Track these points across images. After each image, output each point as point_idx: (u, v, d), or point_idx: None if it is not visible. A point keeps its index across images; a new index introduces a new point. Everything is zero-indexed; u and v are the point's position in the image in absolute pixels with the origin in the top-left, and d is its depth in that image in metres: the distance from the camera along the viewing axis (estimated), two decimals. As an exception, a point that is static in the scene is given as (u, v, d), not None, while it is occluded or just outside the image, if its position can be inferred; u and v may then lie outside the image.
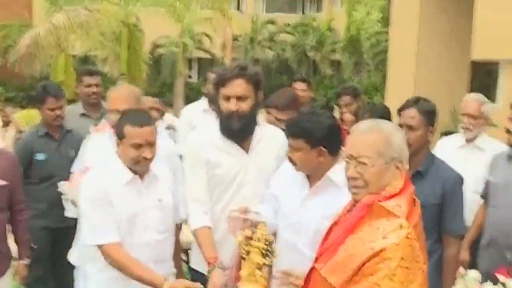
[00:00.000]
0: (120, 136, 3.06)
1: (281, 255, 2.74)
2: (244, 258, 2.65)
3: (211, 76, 5.14)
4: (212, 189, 3.22)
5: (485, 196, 4.10)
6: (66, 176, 3.90)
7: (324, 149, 2.85)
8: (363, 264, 2.11)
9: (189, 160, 3.29)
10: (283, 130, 3.54)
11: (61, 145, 4.59)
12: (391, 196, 2.22)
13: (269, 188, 3.15)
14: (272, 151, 3.29)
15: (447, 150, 4.45)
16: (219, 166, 3.21)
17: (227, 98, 3.13)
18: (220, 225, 3.10)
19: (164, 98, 4.67)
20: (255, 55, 28.22)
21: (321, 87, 25.33)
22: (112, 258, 2.98)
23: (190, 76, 29.07)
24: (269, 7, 31.32)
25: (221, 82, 3.16)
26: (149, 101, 4.66)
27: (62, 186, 3.78)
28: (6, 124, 8.69)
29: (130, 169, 3.06)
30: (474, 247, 4.02)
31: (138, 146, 2.99)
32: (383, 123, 2.40)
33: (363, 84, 23.14)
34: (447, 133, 5.51)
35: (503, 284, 3.05)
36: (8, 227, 3.81)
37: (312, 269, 2.33)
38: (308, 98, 5.87)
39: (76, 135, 4.56)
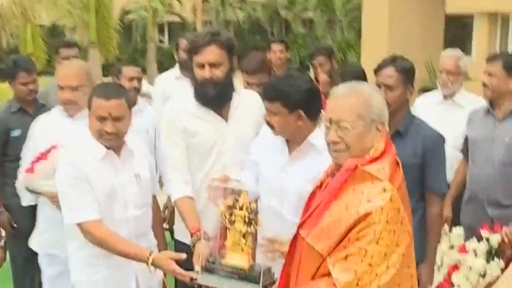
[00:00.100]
0: (89, 107, 2.99)
1: (265, 222, 2.72)
2: (227, 228, 2.62)
3: (183, 42, 5.07)
4: (191, 158, 3.18)
5: (464, 152, 4.12)
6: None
7: (302, 113, 2.81)
8: (349, 229, 2.10)
9: (166, 130, 3.24)
10: (259, 93, 3.51)
11: None
12: (374, 159, 2.20)
13: (249, 154, 3.11)
14: (250, 117, 3.25)
15: (426, 107, 4.45)
16: (196, 135, 3.17)
17: (201, 66, 3.08)
18: (202, 194, 3.07)
19: (137, 64, 4.56)
20: (227, 17, 27.92)
21: (295, 46, 25.19)
22: (93, 235, 2.93)
23: (161, 41, 28.72)
24: (238, -33, 30.87)
25: (193, 50, 3.11)
26: (129, 71, 4.52)
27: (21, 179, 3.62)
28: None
29: (104, 144, 3.00)
30: (457, 203, 4.06)
31: (102, 119, 2.92)
32: (362, 85, 2.37)
33: (336, 41, 23.11)
34: (425, 90, 5.51)
35: (487, 239, 3.10)
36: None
37: (297, 235, 2.31)
38: (285, 59, 5.85)
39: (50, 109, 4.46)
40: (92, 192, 2.93)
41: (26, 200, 3.83)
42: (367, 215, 2.08)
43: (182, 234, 3.24)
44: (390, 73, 3.30)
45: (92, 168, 2.95)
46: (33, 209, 3.94)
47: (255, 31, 27.93)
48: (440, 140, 3.31)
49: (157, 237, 3.28)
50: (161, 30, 28.36)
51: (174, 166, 3.17)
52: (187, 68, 3.89)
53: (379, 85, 3.26)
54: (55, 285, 3.68)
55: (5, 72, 4.59)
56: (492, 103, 3.96)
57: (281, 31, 27.83)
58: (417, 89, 3.57)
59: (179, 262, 2.78)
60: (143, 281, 3.10)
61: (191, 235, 2.93)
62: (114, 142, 2.98)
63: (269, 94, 2.85)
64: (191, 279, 2.70)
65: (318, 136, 2.78)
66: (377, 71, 3.38)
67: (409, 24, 8.26)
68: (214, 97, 3.10)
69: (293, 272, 2.31)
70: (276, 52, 5.82)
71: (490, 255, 3.24)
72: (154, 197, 3.32)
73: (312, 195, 2.39)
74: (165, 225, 4.28)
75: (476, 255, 3.23)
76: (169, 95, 4.83)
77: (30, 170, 3.34)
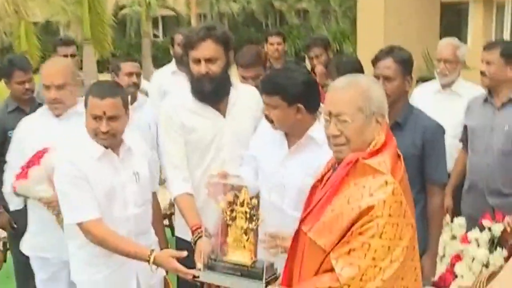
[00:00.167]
0: (85, 106, 2.96)
1: (265, 216, 2.70)
2: (229, 224, 2.60)
3: (178, 37, 5.05)
4: (189, 154, 3.16)
5: (464, 141, 4.11)
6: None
7: (301, 106, 2.78)
8: (351, 224, 2.08)
9: (164, 126, 3.22)
10: (255, 87, 3.49)
11: None
12: (375, 152, 2.18)
13: (248, 149, 3.09)
14: (248, 112, 3.23)
15: (424, 97, 4.44)
16: (194, 131, 3.15)
17: (197, 61, 3.06)
18: (201, 191, 3.04)
19: (135, 60, 4.54)
20: (221, 10, 27.82)
21: (290, 38, 25.13)
22: (93, 235, 2.91)
23: (156, 36, 28.62)
24: (231, -41, 30.74)
25: (189, 45, 3.08)
26: (128, 66, 4.50)
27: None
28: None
29: (101, 143, 2.97)
30: (457, 192, 4.05)
31: (97, 118, 2.89)
32: (361, 77, 2.36)
33: (331, 31, 23.02)
34: (422, 80, 5.49)
35: (489, 229, 3.08)
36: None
37: (299, 231, 2.29)
38: (282, 51, 5.84)
39: None
40: (92, 191, 2.91)
41: (13, 205, 3.81)
42: (369, 209, 2.06)
43: (182, 231, 3.22)
44: (388, 64, 3.27)
45: (90, 167, 2.92)
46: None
47: (249, 24, 27.85)
48: (439, 130, 3.29)
49: (157, 234, 3.27)
50: (155, 24, 28.26)
51: (172, 163, 3.15)
52: (183, 63, 3.86)
53: (377, 77, 3.23)
54: (49, 282, 3.66)
55: (1, 72, 4.56)
56: (491, 91, 3.94)
57: (276, 22, 27.74)
58: (414, 79, 3.54)
59: (180, 260, 2.77)
60: (144, 280, 3.08)
61: (192, 232, 2.91)
62: (110, 141, 2.95)
63: (268, 88, 2.82)
64: (193, 276, 2.68)
65: (317, 129, 2.76)
66: (374, 62, 3.35)
67: (405, 13, 8.23)
68: (211, 92, 3.07)
69: (296, 268, 2.29)
70: (274, 44, 5.81)
71: (493, 244, 3.23)
72: (154, 194, 3.30)
73: (313, 189, 2.37)
74: (165, 222, 4.27)
75: (478, 245, 3.21)
76: (165, 90, 4.82)
77: (24, 176, 3.27)
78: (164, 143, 3.21)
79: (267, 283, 2.49)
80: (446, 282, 3.17)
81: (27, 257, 3.77)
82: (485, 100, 3.97)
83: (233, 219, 2.58)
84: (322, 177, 2.35)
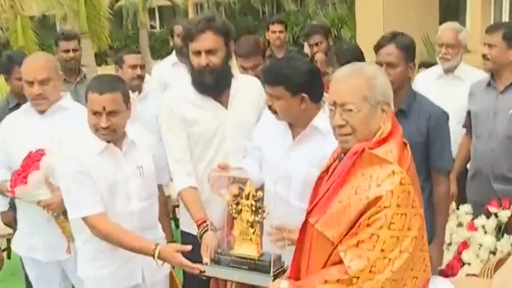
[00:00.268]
0: (86, 101, 2.94)
1: (271, 208, 2.68)
2: (234, 218, 2.58)
3: (178, 28, 5.01)
4: (192, 148, 3.13)
5: (467, 126, 4.07)
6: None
7: (305, 96, 2.74)
8: (359, 215, 2.06)
9: (165, 120, 3.18)
10: (256, 77, 3.46)
11: None
12: (381, 142, 2.15)
13: (252, 140, 3.06)
14: (250, 103, 3.20)
15: (426, 82, 4.40)
16: (196, 124, 3.11)
17: (197, 53, 3.02)
18: (205, 184, 3.02)
19: (138, 51, 4.56)
20: (217, -2, 27.69)
21: (287, 24, 25.05)
22: (98, 229, 2.90)
23: (153, 26, 28.51)
24: None
25: (188, 37, 3.04)
26: (131, 58, 4.47)
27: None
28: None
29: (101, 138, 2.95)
30: (461, 178, 4.02)
31: (96, 113, 2.87)
32: (365, 65, 2.34)
33: (329, 17, 22.92)
34: (425, 65, 5.45)
35: (495, 215, 3.06)
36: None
37: (306, 223, 2.26)
38: (284, 39, 5.81)
39: None
40: (95, 186, 2.90)
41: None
42: (377, 199, 2.03)
43: (187, 225, 3.19)
44: (390, 50, 3.23)
45: (92, 162, 2.91)
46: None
47: (246, 12, 27.74)
48: (444, 116, 3.26)
49: (163, 228, 3.25)
50: (151, 15, 28.14)
51: (175, 156, 3.12)
52: (183, 54, 3.83)
53: (379, 63, 3.19)
54: (42, 282, 3.64)
55: (0, 68, 4.53)
56: (493, 75, 3.91)
57: (273, 10, 27.61)
58: (416, 64, 3.51)
59: (186, 254, 2.75)
60: (150, 275, 3.08)
61: (198, 226, 2.88)
62: (110, 136, 2.93)
63: (270, 78, 2.78)
64: (200, 271, 2.66)
65: (321, 119, 2.73)
66: (377, 49, 3.31)
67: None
68: (213, 84, 3.04)
69: (304, 260, 2.27)
70: (276, 32, 5.78)
71: (499, 231, 3.20)
72: (160, 187, 3.27)
73: (319, 180, 2.34)
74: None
75: (485, 232, 3.19)
76: (166, 82, 4.79)
77: (23, 181, 3.22)
78: (166, 137, 3.18)
79: (275, 276, 2.48)
80: (454, 270, 3.14)
81: None
82: (488, 84, 3.94)
83: (239, 212, 2.57)
84: (328, 168, 2.32)
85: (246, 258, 2.54)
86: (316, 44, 5.38)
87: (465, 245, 3.22)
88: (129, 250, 2.90)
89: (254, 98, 3.21)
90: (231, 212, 2.59)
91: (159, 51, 24.43)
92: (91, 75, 4.60)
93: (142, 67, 4.51)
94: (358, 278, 2.03)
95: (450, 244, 3.36)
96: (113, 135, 2.93)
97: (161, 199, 3.25)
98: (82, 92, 3.61)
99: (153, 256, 2.79)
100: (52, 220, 3.36)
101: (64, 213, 3.18)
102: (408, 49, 3.25)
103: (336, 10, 24.09)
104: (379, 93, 2.18)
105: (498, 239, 3.17)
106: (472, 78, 4.22)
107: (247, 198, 2.55)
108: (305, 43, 5.94)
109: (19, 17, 13.82)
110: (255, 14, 27.74)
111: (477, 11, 8.01)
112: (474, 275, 3.07)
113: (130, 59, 4.45)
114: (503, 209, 3.25)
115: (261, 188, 2.84)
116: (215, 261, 2.62)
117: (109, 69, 13.19)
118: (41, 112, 3.47)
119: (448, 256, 3.28)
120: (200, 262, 2.68)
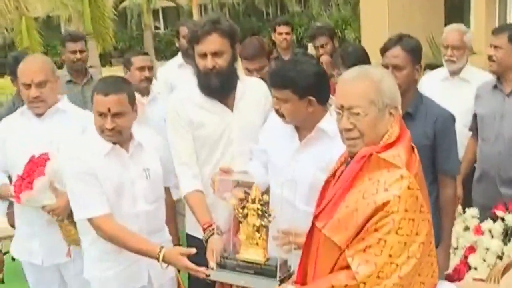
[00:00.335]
0: (92, 102, 2.94)
1: (277, 212, 2.66)
2: (240, 222, 2.57)
3: (183, 29, 5.00)
4: (198, 150, 3.12)
5: (473, 129, 4.05)
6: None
7: (313, 98, 2.73)
8: (367, 220, 2.04)
9: (171, 122, 3.17)
10: (261, 79, 3.45)
11: None
12: (389, 145, 2.13)
13: (258, 143, 3.05)
14: (256, 105, 3.18)
15: (432, 84, 4.38)
16: (203, 127, 3.10)
17: (203, 55, 3.01)
18: (211, 188, 3.00)
19: (146, 53, 4.55)
20: (221, -1, 27.72)
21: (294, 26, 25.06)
22: (103, 231, 2.90)
23: (157, 27, 28.54)
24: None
25: (194, 39, 3.02)
26: (139, 60, 4.43)
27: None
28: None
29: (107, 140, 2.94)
30: (467, 182, 4.00)
31: (101, 115, 2.86)
32: (372, 68, 2.31)
33: (333, 18, 22.93)
34: (430, 67, 5.43)
35: (502, 219, 3.04)
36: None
37: (313, 227, 2.25)
38: (290, 41, 5.81)
39: None
40: (101, 187, 2.89)
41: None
42: (384, 204, 2.02)
43: (193, 228, 3.18)
44: (396, 52, 3.22)
45: (98, 163, 2.91)
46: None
47: (250, 13, 27.76)
48: (450, 119, 3.24)
49: (170, 231, 3.24)
50: (156, 16, 28.17)
51: (180, 159, 3.11)
52: (189, 56, 3.82)
53: (385, 66, 3.18)
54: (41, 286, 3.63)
55: (9, 69, 4.53)
56: (500, 77, 3.89)
57: (277, 11, 27.60)
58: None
59: (192, 257, 2.74)
60: (156, 277, 3.07)
61: (204, 230, 2.87)
62: (116, 138, 2.93)
63: (277, 82, 2.76)
64: (205, 275, 2.64)
65: (328, 121, 2.71)
66: (383, 51, 3.29)
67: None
68: (219, 87, 3.02)
69: (311, 265, 2.26)
70: (282, 34, 5.77)
71: (506, 235, 3.18)
72: (168, 190, 3.26)
73: (326, 184, 2.33)
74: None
75: (492, 236, 3.17)
76: (172, 84, 4.78)
77: (28, 186, 3.19)
78: (171, 140, 3.16)
79: (281, 281, 2.47)
80: (460, 274, 3.13)
81: None
82: (494, 87, 3.92)
83: (245, 216, 2.55)
84: (335, 172, 2.31)
85: (252, 263, 2.53)
86: (322, 46, 5.38)
87: (471, 249, 3.20)
88: (134, 252, 2.90)
89: (259, 100, 3.19)
90: (237, 216, 2.57)
91: (163, 52, 24.47)
92: (98, 76, 4.59)
93: (150, 69, 4.47)
94: (365, 283, 2.01)
95: (456, 248, 3.34)
96: (119, 137, 2.93)
97: (168, 202, 3.24)
98: (89, 94, 3.60)
99: (157, 259, 2.78)
100: (51, 222, 3.34)
101: (69, 217, 3.17)
102: (414, 52, 3.24)
103: (340, 11, 24.09)
104: (386, 97, 2.16)
105: (505, 243, 3.15)
106: (478, 80, 4.20)
107: (253, 202, 2.53)
108: (309, 44, 5.93)
109: (24, 18, 13.88)
110: (259, 15, 27.74)
111: (482, 12, 7.98)
112: (480, 279, 3.05)
113: (138, 61, 4.41)
114: (509, 213, 3.24)
115: (266, 191, 2.82)
116: (221, 265, 2.60)
117: (113, 70, 13.21)
118: (39, 115, 3.44)
119: (454, 260, 3.26)
120: (206, 266, 2.66)
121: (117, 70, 4.80)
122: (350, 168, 2.16)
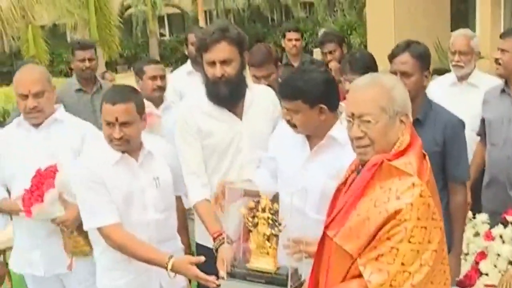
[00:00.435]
0: (101, 111, 2.94)
1: (287, 220, 2.65)
2: (250, 231, 2.56)
3: (192, 36, 5.00)
4: (207, 159, 3.11)
5: (482, 134, 4.04)
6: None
7: (324, 106, 2.72)
8: (379, 228, 2.03)
9: (180, 131, 3.16)
10: (269, 86, 3.45)
11: None
12: (400, 153, 2.12)
13: (267, 151, 3.04)
14: (265, 113, 3.18)
15: (440, 90, 4.37)
16: (211, 135, 3.09)
17: (211, 63, 3.00)
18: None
19: (158, 62, 4.54)
20: (226, 6, 27.77)
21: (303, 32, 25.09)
22: (112, 240, 2.90)
23: (162, 34, 28.61)
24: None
25: (203, 47, 3.02)
26: (151, 69, 4.37)
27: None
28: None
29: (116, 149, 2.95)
30: (476, 187, 3.98)
31: (109, 124, 2.87)
32: (383, 76, 2.31)
33: (338, 24, 22.94)
34: (438, 72, 5.42)
35: (513, 224, 3.02)
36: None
37: (324, 236, 2.24)
38: (300, 47, 5.80)
39: None
40: (110, 196, 2.90)
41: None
42: (396, 212, 2.01)
43: (203, 237, 3.17)
44: (404, 59, 3.21)
45: (108, 172, 2.91)
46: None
47: (255, 19, 27.81)
48: (460, 125, 3.23)
49: (181, 240, 3.24)
50: (161, 23, 28.25)
51: (189, 168, 3.10)
52: (198, 63, 3.81)
53: (394, 72, 3.17)
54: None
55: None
56: (507, 82, 3.87)
57: (282, 17, 27.65)
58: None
59: (202, 267, 2.73)
60: (167, 286, 3.04)
61: (213, 239, 2.86)
62: (124, 147, 2.93)
63: (287, 93, 2.74)
64: (216, 284, 2.64)
65: (339, 129, 2.70)
66: (391, 58, 3.29)
67: (414, 4, 8.13)
68: (228, 95, 3.02)
69: (322, 274, 2.25)
70: (292, 40, 5.78)
71: (517, 240, 3.16)
72: (179, 199, 3.25)
73: (337, 193, 2.32)
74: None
75: (503, 241, 3.15)
76: (181, 91, 4.76)
77: (38, 199, 3.17)
78: (180, 148, 3.16)
79: (292, 290, 2.45)
80: (471, 280, 3.11)
81: None
82: (502, 91, 3.90)
83: (255, 225, 2.54)
84: (346, 179, 2.30)
85: (263, 272, 2.51)
86: (330, 52, 5.36)
87: (482, 255, 3.18)
88: (143, 261, 2.90)
89: (268, 108, 3.19)
90: (247, 225, 2.56)
91: (169, 58, 24.52)
92: (108, 85, 4.57)
93: (163, 77, 4.40)
94: (378, 292, 2.01)
95: (467, 254, 3.32)
96: (127, 146, 2.93)
97: (179, 211, 3.24)
98: (98, 102, 3.59)
99: (166, 268, 2.78)
100: (52, 233, 3.33)
101: (78, 228, 3.17)
102: (423, 58, 3.23)
103: (345, 17, 24.12)
104: (397, 104, 2.16)
105: (516, 248, 3.13)
106: (486, 85, 4.18)
107: (264, 211, 2.52)
108: (314, 50, 5.95)
109: (30, 26, 13.94)
110: (264, 21, 27.79)
111: (487, 16, 7.97)
112: (492, 285, 3.03)
113: (150, 70, 4.35)
114: (520, 217, 3.22)
115: (274, 199, 2.81)
116: (231, 275, 2.59)
117: (119, 78, 13.23)
118: (36, 125, 3.41)
119: (465, 267, 3.24)
120: (216, 275, 2.66)
121: (123, 78, 4.78)
122: (362, 176, 2.15)
